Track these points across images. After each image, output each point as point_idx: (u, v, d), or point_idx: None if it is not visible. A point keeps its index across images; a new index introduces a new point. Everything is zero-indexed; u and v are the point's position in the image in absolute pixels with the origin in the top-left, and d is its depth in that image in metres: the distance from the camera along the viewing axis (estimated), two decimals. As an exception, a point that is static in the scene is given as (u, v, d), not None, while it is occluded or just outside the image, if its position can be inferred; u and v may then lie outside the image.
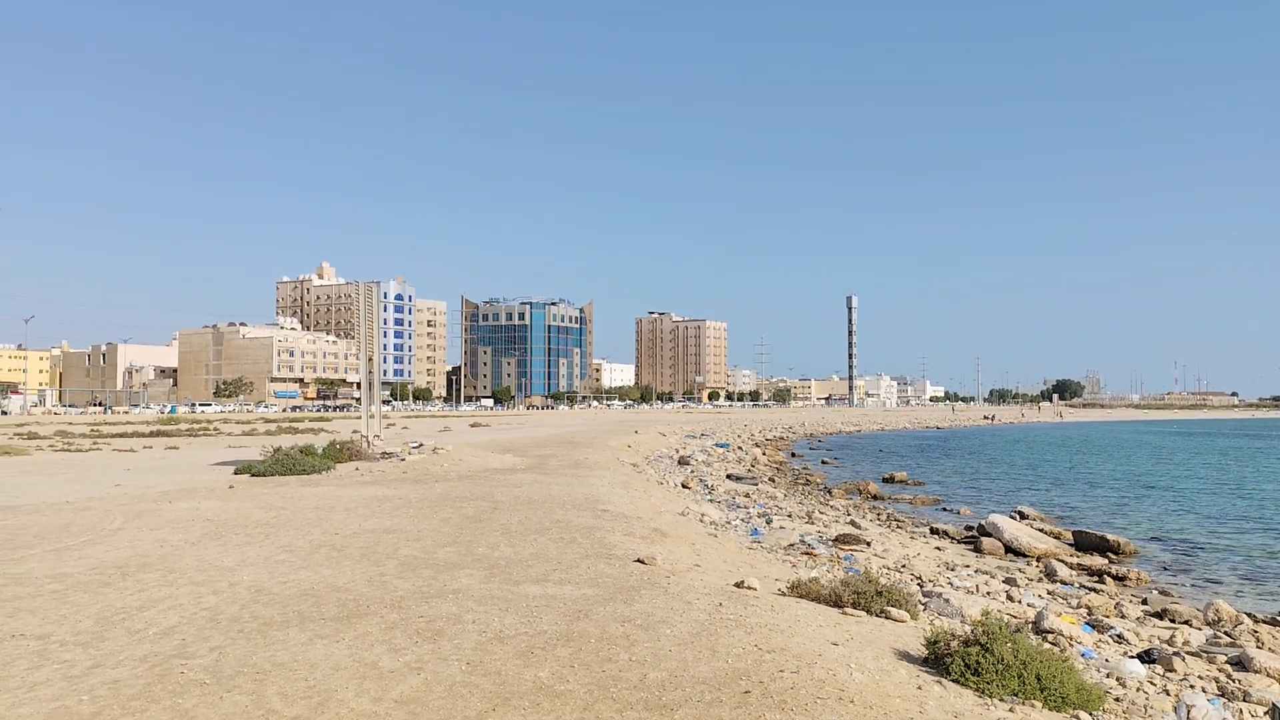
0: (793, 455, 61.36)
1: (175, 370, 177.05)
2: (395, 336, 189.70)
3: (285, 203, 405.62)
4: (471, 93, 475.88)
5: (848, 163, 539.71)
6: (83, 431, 53.70)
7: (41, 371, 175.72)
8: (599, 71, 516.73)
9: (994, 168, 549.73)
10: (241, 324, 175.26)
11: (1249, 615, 14.12)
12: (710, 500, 25.28)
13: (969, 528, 23.95)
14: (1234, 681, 9.97)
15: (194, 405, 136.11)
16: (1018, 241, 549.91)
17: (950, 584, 15.09)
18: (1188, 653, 11.23)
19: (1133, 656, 10.66)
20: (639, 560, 11.11)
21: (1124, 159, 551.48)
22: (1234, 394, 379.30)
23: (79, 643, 7.29)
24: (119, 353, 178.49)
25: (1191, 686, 9.60)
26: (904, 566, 16.55)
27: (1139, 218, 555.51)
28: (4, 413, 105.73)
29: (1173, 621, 13.67)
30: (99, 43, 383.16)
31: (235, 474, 23.29)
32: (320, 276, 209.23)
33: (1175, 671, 10.10)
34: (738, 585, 10.05)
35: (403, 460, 26.33)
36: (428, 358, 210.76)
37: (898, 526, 24.46)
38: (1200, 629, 13.11)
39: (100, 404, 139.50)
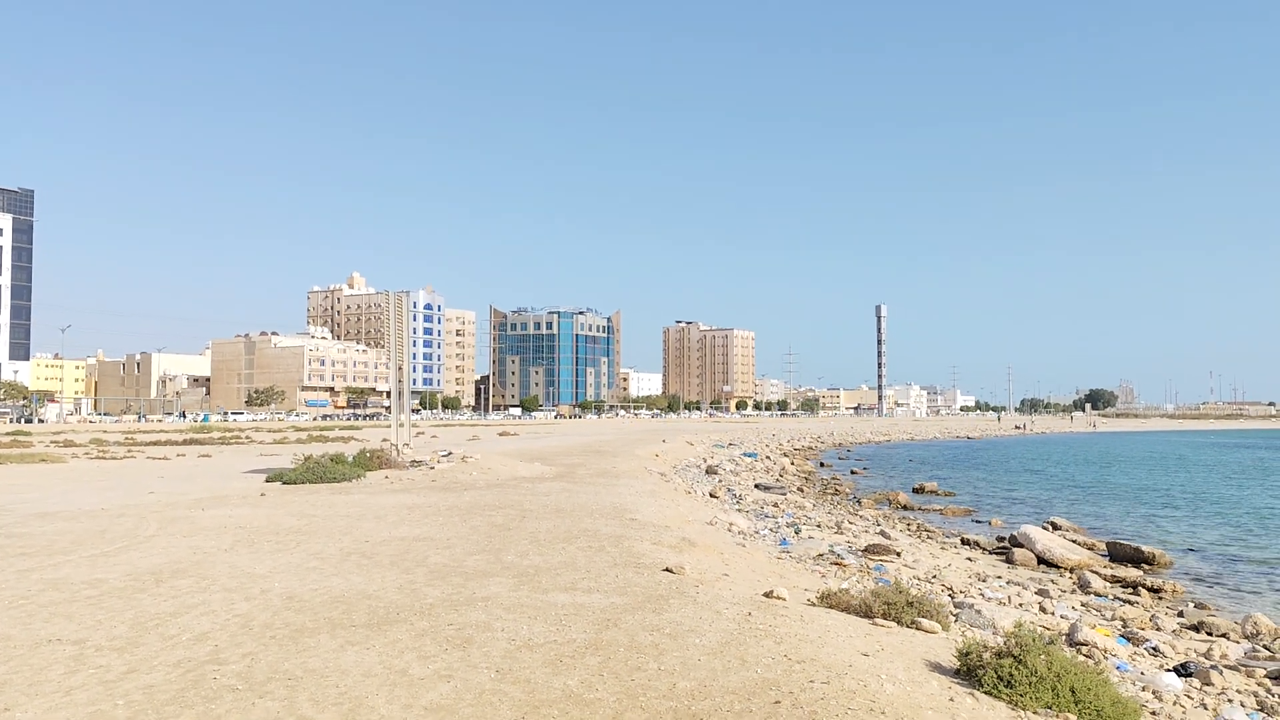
0: (821, 465, 61.06)
1: (208, 379, 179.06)
2: (425, 345, 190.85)
3: (316, 213, 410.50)
4: (500, 102, 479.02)
5: (877, 170, 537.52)
6: (117, 439, 54.45)
7: (77, 380, 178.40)
8: (628, 79, 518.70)
9: (1026, 175, 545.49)
10: (273, 333, 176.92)
11: (1289, 629, 13.87)
12: (738, 510, 25.18)
13: (1001, 539, 23.71)
14: (1273, 695, 9.81)
15: (226, 414, 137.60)
16: (1050, 249, 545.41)
17: (982, 595, 14.95)
18: (1225, 666, 11.06)
19: (1169, 670, 10.51)
20: (667, 569, 11.10)
21: (1158, 165, 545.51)
22: (1271, 404, 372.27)
23: (114, 648, 7.38)
24: (153, 362, 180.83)
25: (1230, 700, 9.45)
26: (935, 577, 16.40)
27: (1173, 225, 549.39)
28: (41, 421, 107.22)
29: (1210, 634, 13.46)
30: (132, 55, 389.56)
31: (267, 482, 23.49)
32: (350, 286, 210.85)
33: (1213, 685, 9.95)
34: (767, 595, 10.00)
35: (432, 468, 26.46)
36: (456, 367, 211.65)
37: (928, 537, 24.25)
38: (1238, 642, 12.89)
39: (143, 413, 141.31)
